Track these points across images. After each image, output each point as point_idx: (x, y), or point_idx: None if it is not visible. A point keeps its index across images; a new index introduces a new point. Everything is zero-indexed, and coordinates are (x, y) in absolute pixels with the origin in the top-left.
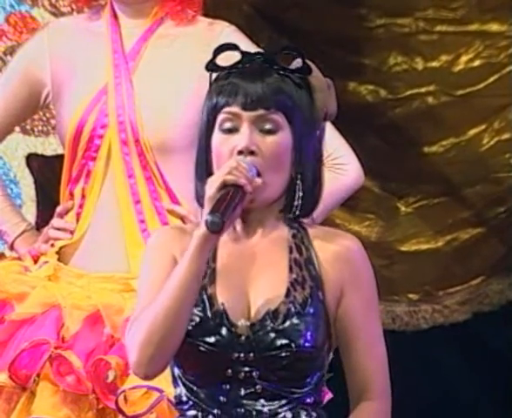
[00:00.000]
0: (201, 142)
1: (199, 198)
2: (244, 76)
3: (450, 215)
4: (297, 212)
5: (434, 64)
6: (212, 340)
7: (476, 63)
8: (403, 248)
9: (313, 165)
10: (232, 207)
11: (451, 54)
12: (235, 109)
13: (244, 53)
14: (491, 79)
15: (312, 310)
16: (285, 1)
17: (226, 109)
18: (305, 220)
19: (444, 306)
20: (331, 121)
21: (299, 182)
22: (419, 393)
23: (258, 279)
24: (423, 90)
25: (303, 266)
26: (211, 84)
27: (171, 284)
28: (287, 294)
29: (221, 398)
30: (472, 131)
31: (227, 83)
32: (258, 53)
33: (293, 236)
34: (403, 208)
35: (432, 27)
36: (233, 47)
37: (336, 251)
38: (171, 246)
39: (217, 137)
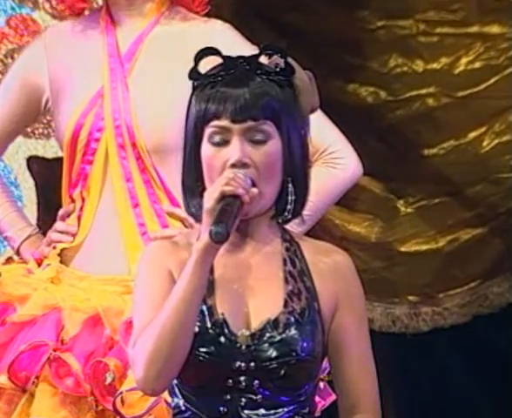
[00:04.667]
0: (189, 153)
1: (190, 209)
2: (229, 85)
3: (450, 215)
4: (289, 216)
5: (435, 65)
6: (211, 349)
7: (477, 65)
8: (403, 249)
9: (303, 165)
10: (233, 217)
11: (451, 56)
12: (224, 122)
13: (225, 58)
14: (491, 81)
15: (309, 320)
16: (286, 3)
17: (215, 123)
18: (296, 221)
19: (444, 308)
20: (331, 116)
21: (290, 186)
22: (419, 395)
23: (255, 290)
24: (423, 91)
25: (297, 278)
26: (194, 90)
27: (174, 298)
28: (285, 305)
29: (221, 408)
30: (472, 134)
31: (214, 92)
32: (240, 58)
33: (287, 249)
34: (403, 208)
35: (432, 29)
36: (215, 52)
37: (328, 265)
38: (166, 260)
39: (207, 149)
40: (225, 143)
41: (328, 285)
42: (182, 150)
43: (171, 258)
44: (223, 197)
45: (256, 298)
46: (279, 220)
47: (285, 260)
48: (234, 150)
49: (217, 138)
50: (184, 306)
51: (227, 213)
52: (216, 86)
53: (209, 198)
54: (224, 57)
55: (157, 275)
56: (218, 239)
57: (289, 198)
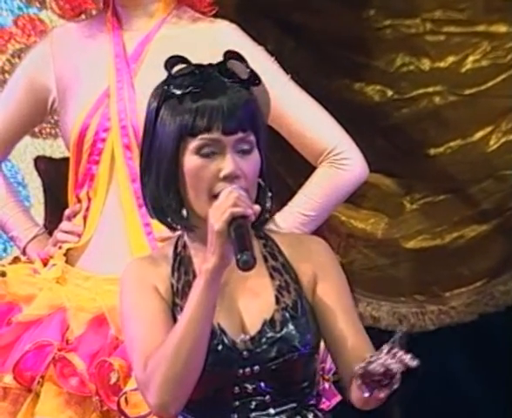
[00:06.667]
0: (168, 165)
1: (166, 220)
2: (213, 95)
3: (456, 212)
4: (267, 215)
5: (442, 64)
6: (213, 361)
7: (483, 63)
8: (409, 245)
9: (268, 167)
10: (250, 239)
11: (458, 55)
12: (215, 135)
13: (197, 67)
14: (498, 80)
15: (303, 311)
16: (291, 2)
17: (205, 135)
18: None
19: (451, 307)
20: (335, 117)
21: (268, 190)
22: (425, 393)
23: (244, 293)
24: (430, 90)
25: (282, 270)
26: (165, 99)
27: (186, 319)
28: (277, 301)
29: (231, 415)
30: (479, 133)
31: (201, 106)
32: (210, 66)
33: (264, 245)
34: (409, 205)
35: (439, 28)
36: (185, 60)
37: (305, 253)
38: (148, 277)
39: (193, 160)
40: (213, 154)
41: (305, 265)
42: (151, 161)
43: (152, 273)
44: (233, 218)
45: (247, 299)
46: (257, 223)
47: (265, 257)
48: (228, 162)
49: (206, 150)
50: (196, 326)
51: (246, 238)
52: (200, 98)
53: (217, 220)
54: (195, 66)
55: (145, 294)
56: (246, 267)
57: (267, 202)
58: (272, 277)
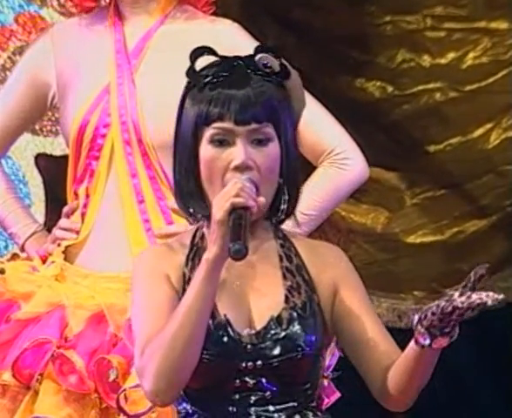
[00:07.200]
0: (188, 154)
1: (188, 210)
2: (230, 86)
3: (456, 207)
4: (283, 216)
5: (442, 60)
6: (217, 351)
7: (484, 60)
8: (409, 240)
9: (296, 166)
10: (246, 230)
11: (459, 51)
12: (227, 124)
13: (222, 58)
14: (498, 76)
15: (312, 312)
16: None
17: (218, 124)
18: (290, 225)
19: None
20: (336, 113)
21: (285, 187)
22: (426, 390)
23: (255, 288)
24: (431, 86)
25: (295, 272)
26: (188, 89)
27: (184, 308)
28: (286, 300)
29: (230, 408)
30: (479, 131)
31: (216, 94)
32: (236, 58)
33: (281, 246)
34: (409, 200)
35: (440, 24)
36: (211, 51)
37: (322, 257)
38: (161, 265)
39: (207, 150)
40: (227, 144)
41: (324, 275)
42: (177, 150)
43: (166, 262)
44: (233, 208)
45: (256, 296)
46: (274, 221)
47: (281, 257)
48: (238, 152)
49: (219, 140)
50: (195, 315)
51: (242, 228)
52: (217, 88)
53: (219, 209)
54: (220, 57)
55: (155, 282)
56: (238, 257)
57: (282, 198)
58: (284, 277)
